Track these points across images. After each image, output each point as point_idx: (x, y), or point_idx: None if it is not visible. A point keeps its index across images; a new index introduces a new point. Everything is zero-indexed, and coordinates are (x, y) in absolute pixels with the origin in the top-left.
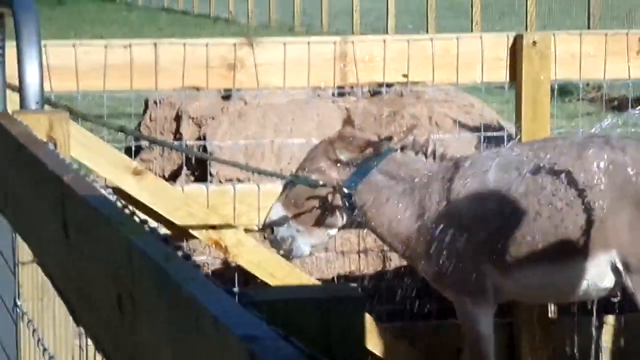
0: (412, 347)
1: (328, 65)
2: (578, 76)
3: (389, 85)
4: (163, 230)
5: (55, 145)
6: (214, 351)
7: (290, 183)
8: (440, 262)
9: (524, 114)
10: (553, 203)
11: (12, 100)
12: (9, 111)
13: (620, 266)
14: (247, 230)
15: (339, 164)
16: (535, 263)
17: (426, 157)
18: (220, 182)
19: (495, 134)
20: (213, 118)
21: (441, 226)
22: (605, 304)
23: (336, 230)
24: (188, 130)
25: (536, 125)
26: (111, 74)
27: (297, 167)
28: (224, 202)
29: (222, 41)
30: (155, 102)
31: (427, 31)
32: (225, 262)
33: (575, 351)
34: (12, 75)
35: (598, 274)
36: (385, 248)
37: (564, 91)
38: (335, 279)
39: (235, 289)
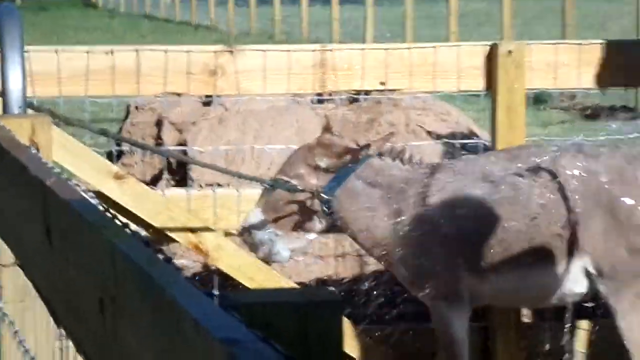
0: (389, 350)
1: (307, 73)
2: (553, 85)
3: (367, 93)
4: (144, 234)
5: (37, 149)
6: (195, 354)
7: (270, 188)
8: (416, 266)
9: (499, 122)
10: (527, 209)
11: None
12: None
13: (593, 272)
14: (227, 235)
15: (318, 170)
16: (510, 268)
17: (403, 163)
18: (200, 186)
19: (470, 141)
20: (194, 124)
21: (417, 231)
22: (579, 309)
23: (314, 235)
24: (169, 136)
25: (511, 133)
26: (93, 80)
27: (277, 173)
28: (205, 206)
29: (203, 48)
30: (136, 108)
31: (404, 40)
32: (205, 266)
33: (549, 356)
34: None
35: (572, 280)
36: (363, 252)
37: (538, 100)
38: (314, 282)
39: (215, 292)
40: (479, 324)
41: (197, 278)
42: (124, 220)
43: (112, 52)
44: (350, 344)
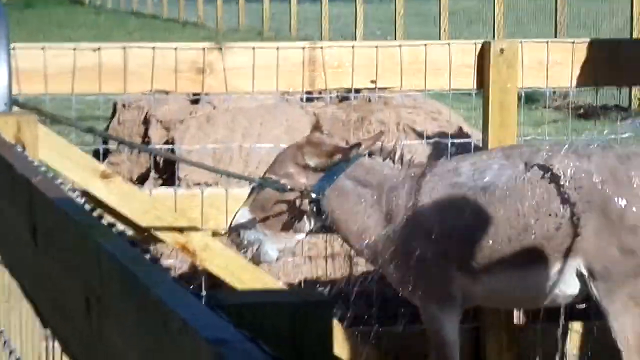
0: (379, 352)
1: (297, 71)
2: (545, 84)
3: (357, 91)
4: (130, 234)
5: (23, 147)
6: (182, 354)
7: (258, 187)
8: (407, 267)
9: (491, 121)
10: (519, 209)
11: None
12: None
13: (585, 273)
14: (214, 234)
15: (307, 169)
16: (502, 269)
17: (394, 162)
18: (188, 186)
19: (462, 140)
20: (181, 122)
21: (408, 231)
22: (571, 310)
23: (304, 235)
24: (156, 134)
25: (503, 132)
26: (80, 77)
27: (265, 171)
28: (192, 205)
29: (191, 45)
30: (123, 106)
31: (395, 38)
32: (193, 266)
33: (540, 357)
34: None
35: (564, 281)
36: (353, 253)
37: (530, 99)
38: (303, 283)
39: (203, 293)
40: (471, 325)
41: (184, 278)
42: (111, 219)
43: (99, 49)
44: (340, 346)
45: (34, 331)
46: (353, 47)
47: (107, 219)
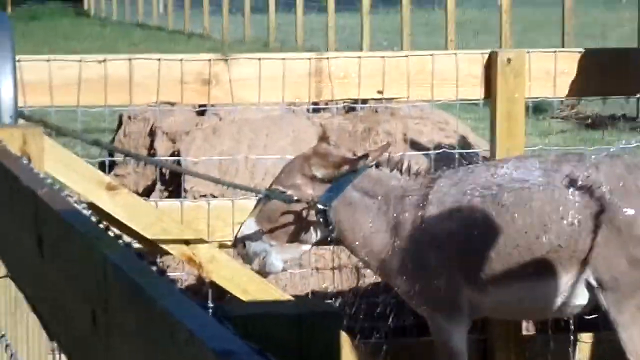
0: None
1: (303, 81)
2: (552, 94)
3: (363, 101)
4: (137, 246)
5: (29, 159)
6: None
7: (265, 198)
8: (414, 278)
9: (498, 131)
10: (528, 220)
11: None
12: None
13: (594, 283)
14: (221, 246)
15: (314, 181)
16: (510, 280)
17: (401, 173)
18: (194, 197)
19: (469, 151)
20: (187, 133)
21: (415, 242)
22: (579, 321)
23: (309, 246)
24: (162, 146)
25: (510, 143)
26: (85, 89)
27: (272, 183)
28: (198, 217)
29: (196, 57)
30: (129, 118)
31: (401, 48)
32: (199, 278)
33: None
34: None
35: (573, 292)
36: (360, 264)
37: (538, 109)
38: (310, 295)
39: (210, 305)
40: (479, 337)
41: (190, 290)
42: (117, 231)
43: (104, 61)
44: (347, 357)
45: (40, 343)
46: (359, 57)
47: (113, 231)
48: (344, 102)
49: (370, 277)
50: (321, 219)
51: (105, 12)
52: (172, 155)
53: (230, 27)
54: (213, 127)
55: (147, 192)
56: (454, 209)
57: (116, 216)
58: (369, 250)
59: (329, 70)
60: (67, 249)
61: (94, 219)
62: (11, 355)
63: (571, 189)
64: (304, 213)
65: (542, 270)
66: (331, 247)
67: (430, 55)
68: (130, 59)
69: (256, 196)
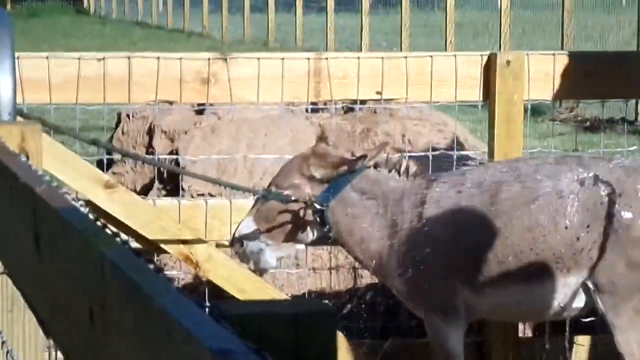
0: None
1: (302, 81)
2: (551, 96)
3: (362, 102)
4: (134, 244)
5: (27, 157)
6: None
7: (262, 198)
8: (412, 279)
9: (497, 133)
10: (526, 222)
11: None
12: None
13: (591, 286)
14: (218, 245)
15: (312, 181)
16: (507, 282)
17: (399, 174)
18: (192, 196)
19: (467, 152)
20: (186, 132)
21: (413, 244)
22: (576, 324)
23: (303, 245)
24: (160, 144)
25: (509, 145)
26: (84, 87)
27: (270, 182)
28: (196, 216)
29: (196, 55)
30: (128, 116)
31: (401, 49)
32: (196, 277)
33: None
34: None
35: (570, 294)
36: (357, 265)
37: (537, 111)
38: (307, 295)
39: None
40: (475, 339)
41: (187, 289)
42: (114, 230)
43: (103, 59)
44: (344, 358)
45: (37, 341)
46: (359, 58)
47: (111, 229)
48: (343, 102)
49: (367, 278)
50: (318, 219)
51: (104, 10)
52: (171, 153)
53: (230, 26)
54: (212, 126)
55: (145, 191)
56: (451, 210)
57: (114, 214)
58: (366, 250)
59: (328, 70)
60: (64, 246)
61: (91, 216)
62: (7, 352)
63: (569, 192)
64: (301, 213)
65: (539, 272)
66: (328, 247)
67: (430, 56)
68: (129, 57)
69: (254, 196)
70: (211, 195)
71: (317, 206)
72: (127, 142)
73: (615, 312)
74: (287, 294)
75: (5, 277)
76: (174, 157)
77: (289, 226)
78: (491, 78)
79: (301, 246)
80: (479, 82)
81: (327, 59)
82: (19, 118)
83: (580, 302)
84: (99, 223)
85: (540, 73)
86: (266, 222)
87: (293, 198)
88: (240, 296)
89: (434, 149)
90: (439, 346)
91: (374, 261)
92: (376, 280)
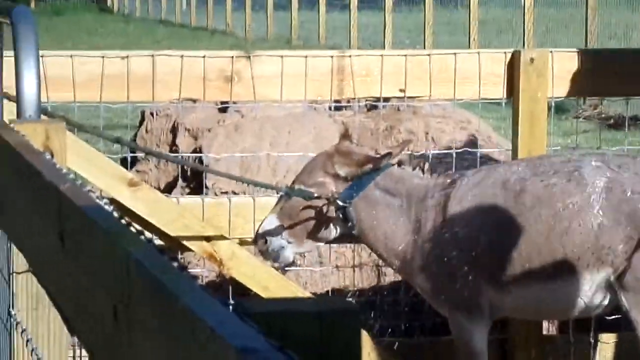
0: None
1: (325, 79)
2: (575, 94)
3: (385, 99)
4: (158, 242)
5: (51, 155)
6: None
7: (285, 195)
8: (436, 277)
9: (520, 131)
10: (550, 220)
11: (9, 110)
12: (6, 120)
13: (615, 284)
14: (242, 243)
15: (337, 179)
16: (531, 280)
17: (423, 172)
18: (215, 194)
19: (491, 150)
20: (209, 130)
21: (437, 242)
22: (600, 322)
23: (323, 242)
24: (184, 142)
25: (533, 143)
26: (108, 85)
27: (294, 180)
28: (219, 214)
29: (219, 54)
30: (151, 114)
31: (424, 47)
32: (220, 275)
33: None
34: (9, 85)
35: (593, 292)
36: (380, 263)
37: (560, 109)
38: (330, 293)
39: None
40: (499, 337)
41: (211, 287)
42: (138, 228)
43: (127, 58)
44: (368, 356)
45: (61, 339)
46: (382, 55)
47: (135, 227)
48: (366, 100)
49: (390, 276)
50: (341, 216)
51: (128, 8)
52: (194, 151)
53: (253, 24)
54: (235, 124)
55: (168, 189)
56: (475, 208)
57: (138, 212)
58: (390, 248)
59: (351, 68)
60: (89, 244)
61: (116, 214)
62: (32, 350)
63: (593, 189)
64: (324, 210)
65: (563, 270)
66: (352, 245)
67: (453, 53)
68: (152, 56)
69: (277, 193)
70: (235, 193)
71: (340, 203)
72: (151, 140)
73: (639, 310)
74: (311, 292)
75: (30, 275)
76: (198, 155)
77: (312, 223)
78: (515, 75)
79: (321, 244)
80: (503, 79)
81: (350, 56)
82: (43, 116)
83: (604, 299)
84: (123, 221)
85: (564, 71)
86: (289, 219)
87: (316, 195)
88: (263, 294)
89: (457, 147)
90: (463, 344)
91: (398, 259)
92: (400, 278)
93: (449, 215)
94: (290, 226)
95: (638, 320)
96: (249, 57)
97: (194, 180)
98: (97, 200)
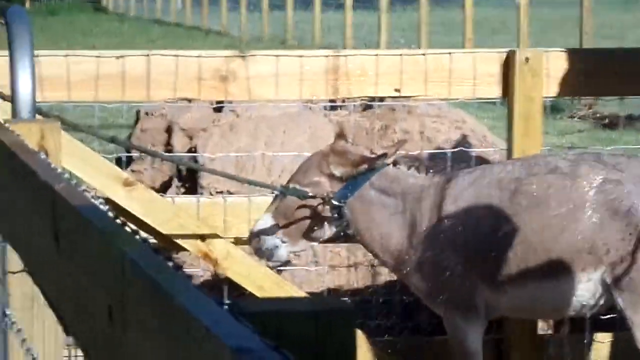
0: None
1: (320, 79)
2: (570, 93)
3: (381, 99)
4: (153, 242)
5: (46, 154)
6: None
7: (281, 194)
8: (431, 277)
9: (515, 130)
10: (545, 219)
11: (4, 110)
12: (1, 120)
13: (610, 283)
14: (237, 243)
15: (332, 179)
16: (527, 279)
17: (418, 171)
18: (210, 194)
19: (486, 150)
20: (204, 130)
21: (432, 242)
22: (595, 321)
23: (318, 241)
24: (179, 142)
25: (528, 142)
26: (103, 85)
27: (289, 180)
28: (214, 214)
29: (214, 53)
30: (146, 114)
31: (419, 46)
32: (215, 275)
33: None
34: (4, 85)
35: (589, 291)
36: (375, 262)
37: (555, 108)
38: (325, 292)
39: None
40: (494, 336)
41: (206, 286)
42: (133, 227)
43: (122, 57)
44: (364, 355)
45: (56, 338)
46: (377, 55)
47: (130, 226)
48: (361, 99)
49: (385, 275)
50: (336, 215)
51: (123, 8)
52: (189, 151)
53: (248, 24)
54: (230, 123)
55: (163, 188)
56: (470, 207)
57: (133, 212)
58: (385, 248)
59: (346, 67)
60: (84, 244)
61: (111, 214)
62: (27, 349)
63: (588, 189)
64: (319, 209)
65: (558, 270)
66: (347, 244)
67: (448, 53)
68: (147, 55)
69: (272, 193)
70: (230, 192)
71: (335, 202)
72: (146, 140)
73: (634, 309)
74: (306, 292)
75: (25, 275)
76: (193, 154)
77: (307, 222)
78: (510, 75)
79: (315, 242)
80: (498, 79)
81: (345, 56)
82: (38, 116)
83: (599, 299)
84: (118, 221)
85: (558, 70)
86: (284, 218)
87: (311, 194)
88: (258, 293)
89: (452, 147)
90: (458, 344)
91: (393, 258)
92: (395, 278)
93: (444, 215)
94: (285, 225)
95: (633, 320)
96: (244, 56)
97: (189, 180)
98: (92, 200)
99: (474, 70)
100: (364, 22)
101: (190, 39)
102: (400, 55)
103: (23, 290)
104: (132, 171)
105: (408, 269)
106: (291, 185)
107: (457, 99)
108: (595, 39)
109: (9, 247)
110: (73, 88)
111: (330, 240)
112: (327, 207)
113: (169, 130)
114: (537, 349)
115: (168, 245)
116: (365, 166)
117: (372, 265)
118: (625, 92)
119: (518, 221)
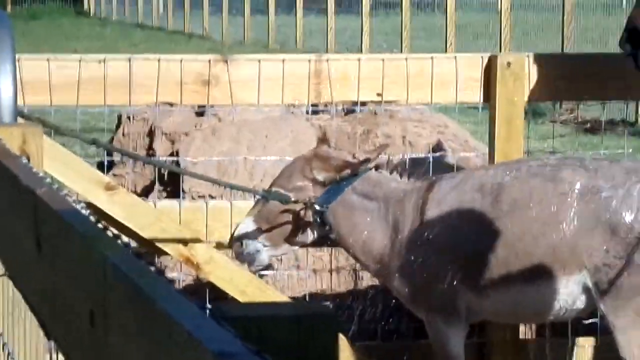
0: None
1: (302, 83)
2: (552, 98)
3: (363, 104)
4: (135, 246)
5: (28, 159)
6: None
7: (263, 199)
8: (413, 281)
9: (497, 135)
10: (527, 224)
11: None
12: None
13: (592, 288)
14: (219, 247)
15: (315, 183)
16: (509, 283)
17: (400, 176)
18: (192, 198)
19: (467, 154)
20: (186, 134)
21: (414, 246)
22: (577, 325)
23: (298, 245)
24: (161, 146)
25: (510, 147)
26: (85, 89)
27: (271, 184)
28: (196, 218)
29: (196, 57)
30: (128, 118)
31: (401, 51)
32: (197, 279)
33: None
34: None
35: (571, 295)
36: (357, 267)
37: (537, 113)
38: (307, 297)
39: (208, 306)
40: (476, 340)
41: (188, 291)
42: (115, 231)
43: (104, 61)
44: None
45: (38, 343)
46: (359, 60)
47: (112, 231)
48: (343, 104)
49: (367, 280)
50: (318, 220)
51: (105, 12)
52: (171, 155)
53: (231, 28)
54: (212, 128)
55: (145, 192)
56: (452, 212)
57: (114, 216)
58: (368, 252)
59: (328, 72)
60: (66, 248)
61: (92, 218)
62: (8, 354)
63: (570, 193)
64: (302, 214)
65: (541, 274)
66: (329, 249)
67: (430, 58)
68: (129, 59)
69: (254, 197)
70: (212, 196)
71: (317, 207)
72: (128, 144)
73: (616, 314)
74: (288, 296)
75: (7, 279)
76: (175, 158)
77: (289, 227)
78: (492, 80)
79: (295, 246)
80: (480, 83)
81: (327, 60)
82: (19, 120)
83: (581, 303)
84: (99, 225)
85: (540, 75)
86: (266, 222)
87: (293, 199)
88: (241, 298)
89: (434, 151)
90: (440, 348)
91: (375, 263)
92: (377, 282)
93: (426, 219)
94: (267, 230)
95: (615, 324)
96: (227, 60)
97: (171, 184)
98: (74, 205)
99: (456, 75)
100: (346, 27)
101: (173, 42)
102: (382, 59)
103: (4, 294)
104: (114, 175)
105: (390, 273)
106: (274, 190)
107: (439, 104)
108: (577, 43)
109: None
110: (55, 92)
111: (314, 244)
112: (310, 212)
113: (151, 134)
114: (519, 353)
115: (150, 249)
116: (348, 171)
117: (355, 270)
118: (606, 97)
119: (500, 225)
